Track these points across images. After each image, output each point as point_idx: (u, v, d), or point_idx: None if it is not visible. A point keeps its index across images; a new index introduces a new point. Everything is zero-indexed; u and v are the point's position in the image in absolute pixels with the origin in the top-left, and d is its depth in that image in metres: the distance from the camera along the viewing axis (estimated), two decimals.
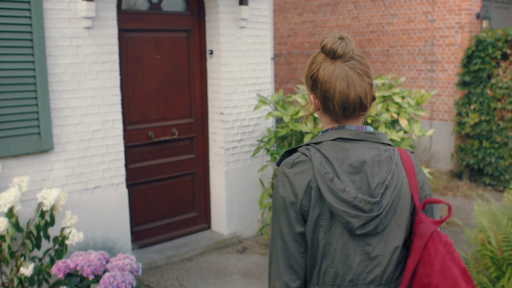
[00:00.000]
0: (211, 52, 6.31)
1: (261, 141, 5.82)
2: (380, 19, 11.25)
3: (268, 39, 6.72)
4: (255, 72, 6.55)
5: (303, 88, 5.79)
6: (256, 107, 5.77)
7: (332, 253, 1.61)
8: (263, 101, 5.72)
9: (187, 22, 6.25)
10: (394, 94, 5.28)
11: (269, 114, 5.60)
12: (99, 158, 5.33)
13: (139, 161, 5.97)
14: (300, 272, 1.65)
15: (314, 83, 1.68)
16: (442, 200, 1.68)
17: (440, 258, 1.58)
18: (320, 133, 1.71)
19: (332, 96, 1.62)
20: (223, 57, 6.20)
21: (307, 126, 4.78)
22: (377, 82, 5.44)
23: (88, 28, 5.15)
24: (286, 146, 5.60)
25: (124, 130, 5.74)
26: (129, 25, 5.75)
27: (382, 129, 5.00)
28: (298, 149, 1.69)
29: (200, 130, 6.40)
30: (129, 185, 5.76)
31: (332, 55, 1.62)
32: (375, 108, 4.03)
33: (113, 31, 5.36)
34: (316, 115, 4.20)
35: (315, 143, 1.66)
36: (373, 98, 1.68)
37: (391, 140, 4.94)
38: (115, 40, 5.38)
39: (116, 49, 5.40)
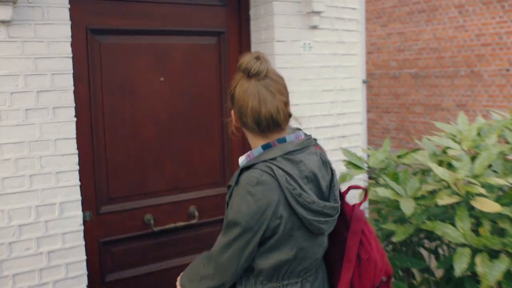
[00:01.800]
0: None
1: None
2: (497, 28, 8.17)
3: (357, 49, 3.93)
4: (336, 105, 3.79)
5: (433, 141, 2.94)
6: (344, 178, 2.94)
7: (302, 254, 1.78)
8: (355, 164, 2.91)
9: (218, 18, 3.57)
10: None
11: (370, 189, 2.78)
12: (31, 279, 2.67)
13: (124, 268, 3.27)
14: (227, 283, 1.78)
15: (232, 99, 1.80)
16: (360, 185, 2.03)
17: (373, 235, 1.90)
18: (260, 148, 1.76)
19: (245, 111, 1.73)
20: None
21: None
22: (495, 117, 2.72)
23: (3, 23, 2.55)
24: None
25: (93, 215, 3.07)
26: (106, 22, 3.12)
27: None
28: (256, 166, 1.69)
29: None
30: None
31: (247, 73, 1.74)
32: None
33: (64, 31, 2.74)
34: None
35: (269, 160, 1.70)
36: (289, 115, 1.79)
37: None
38: (67, 49, 2.75)
39: (68, 65, 2.76)
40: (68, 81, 2.79)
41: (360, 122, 3.97)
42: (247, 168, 1.70)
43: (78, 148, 2.91)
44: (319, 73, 3.70)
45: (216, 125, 3.58)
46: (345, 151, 3.12)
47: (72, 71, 2.80)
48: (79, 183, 2.86)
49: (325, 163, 1.82)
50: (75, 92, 2.92)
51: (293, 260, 1.76)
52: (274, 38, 3.48)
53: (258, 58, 1.74)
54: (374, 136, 10.40)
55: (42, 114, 2.72)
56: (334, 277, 1.92)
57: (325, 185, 1.78)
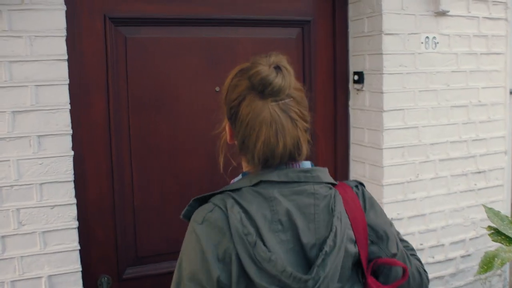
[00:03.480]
0: (359, 79, 2.49)
1: None
2: None
3: (504, 45, 2.70)
4: (471, 127, 2.61)
5: None
6: (491, 264, 1.77)
7: None
8: (507, 236, 1.73)
9: (301, 2, 2.49)
10: None
11: None
12: None
13: None
14: None
15: (234, 116, 1.29)
16: (398, 261, 1.33)
17: None
18: (238, 177, 1.34)
19: (253, 145, 1.25)
20: (389, 91, 2.40)
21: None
22: None
23: None
24: None
25: (113, 282, 2.17)
26: (134, 8, 2.17)
27: None
28: (211, 198, 1.28)
29: None
30: None
31: (261, 89, 1.23)
32: None
33: (55, 20, 1.83)
34: None
35: (231, 191, 1.27)
36: (309, 145, 1.31)
37: None
38: (60, 47, 1.84)
39: (61, 71, 1.85)
40: (61, 96, 1.86)
41: (504, 152, 2.74)
42: (204, 199, 1.31)
43: (87, 190, 2.00)
44: (448, 81, 2.52)
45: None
46: (489, 211, 1.94)
47: (67, 81, 1.86)
48: (78, 246, 1.93)
49: (326, 215, 1.28)
50: (85, 110, 2.01)
51: None
52: (381, 30, 2.35)
53: (278, 68, 1.26)
54: None
55: (20, 146, 1.81)
56: None
57: (311, 242, 1.26)
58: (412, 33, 2.41)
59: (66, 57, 1.84)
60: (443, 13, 2.45)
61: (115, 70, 2.16)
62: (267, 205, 1.24)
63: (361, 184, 1.41)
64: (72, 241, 1.92)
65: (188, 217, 1.31)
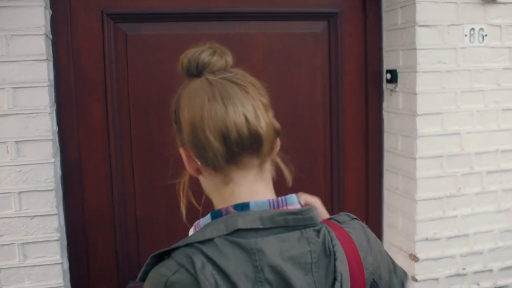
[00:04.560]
0: (392, 78, 2.19)
1: None
2: None
3: None
4: None
5: None
6: None
7: None
8: None
9: None
10: None
11: None
12: None
13: None
14: None
15: (178, 124, 1.03)
16: None
17: None
18: (209, 216, 1.01)
19: (204, 135, 0.96)
20: (424, 92, 2.10)
21: None
22: None
23: None
24: None
25: None
26: (135, 2, 2.02)
27: None
28: (173, 253, 0.95)
29: None
30: None
31: (194, 69, 1.02)
32: None
33: (34, 16, 1.70)
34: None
35: (200, 242, 0.94)
36: (275, 131, 1.01)
37: None
38: (39, 46, 1.71)
39: (40, 72, 1.72)
40: (42, 99, 1.73)
41: None
42: (164, 254, 0.98)
43: (85, 198, 1.88)
44: (498, 80, 2.16)
45: (322, 164, 2.27)
46: None
47: (48, 82, 1.73)
48: (60, 260, 1.80)
49: (326, 263, 0.99)
50: (81, 112, 1.89)
51: None
52: (415, 21, 2.04)
53: (212, 48, 1.04)
54: None
55: None
56: None
57: None
58: (453, 25, 2.08)
59: (45, 57, 1.71)
60: (492, 0, 2.09)
61: (114, 69, 2.01)
62: (248, 260, 0.95)
63: (356, 218, 1.10)
64: (54, 254, 1.79)
65: (143, 279, 0.99)
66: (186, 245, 0.94)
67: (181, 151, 1.05)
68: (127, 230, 2.10)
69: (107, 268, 2.09)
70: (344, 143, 2.28)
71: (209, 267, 0.91)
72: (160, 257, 0.98)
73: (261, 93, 1.02)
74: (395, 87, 2.20)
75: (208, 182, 1.04)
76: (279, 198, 1.00)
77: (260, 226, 0.95)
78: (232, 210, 0.98)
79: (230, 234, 0.94)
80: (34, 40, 1.70)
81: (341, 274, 0.97)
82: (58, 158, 1.92)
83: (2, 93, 1.70)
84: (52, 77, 1.86)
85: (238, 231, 0.94)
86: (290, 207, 1.00)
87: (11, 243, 1.76)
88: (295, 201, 1.02)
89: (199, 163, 1.01)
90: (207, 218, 1.00)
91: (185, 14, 2.07)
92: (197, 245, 0.93)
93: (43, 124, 1.74)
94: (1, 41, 1.68)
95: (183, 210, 1.09)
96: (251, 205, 0.98)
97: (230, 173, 0.99)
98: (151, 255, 0.98)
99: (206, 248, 0.92)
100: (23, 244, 1.77)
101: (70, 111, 1.95)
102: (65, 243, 1.95)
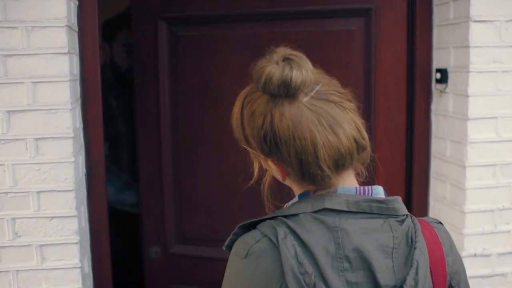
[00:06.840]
0: (441, 77, 2.01)
1: None
2: None
3: None
4: None
5: None
6: None
7: None
8: None
9: None
10: None
11: None
12: None
13: None
14: None
15: (273, 145, 1.05)
16: None
17: None
18: (297, 197, 1.10)
19: (314, 155, 1.02)
20: (477, 94, 1.91)
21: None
22: None
23: None
24: None
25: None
26: (185, 6, 2.02)
27: None
28: (258, 225, 1.05)
29: None
30: None
31: (284, 92, 1.01)
32: None
33: (55, 8, 1.61)
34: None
35: (285, 216, 1.03)
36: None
37: None
38: (60, 39, 1.63)
39: (62, 66, 1.64)
40: (62, 95, 1.64)
41: None
42: (251, 225, 1.06)
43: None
44: None
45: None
46: None
47: (69, 76, 1.65)
48: (79, 264, 1.72)
49: (407, 250, 1.03)
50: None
51: None
52: (468, 16, 1.86)
53: (288, 59, 1.01)
54: None
55: (15, 149, 1.64)
56: None
57: (390, 285, 1.00)
58: (481, 18, 1.88)
59: (67, 50, 1.62)
60: None
61: (166, 70, 2.10)
62: (330, 237, 1.01)
63: (440, 223, 1.16)
64: (72, 258, 1.71)
65: (229, 247, 1.08)
66: (272, 218, 1.03)
67: (271, 164, 1.08)
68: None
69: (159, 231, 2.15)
70: (376, 146, 2.11)
71: (290, 238, 0.98)
72: (247, 228, 1.06)
73: (348, 98, 1.07)
74: (445, 88, 2.02)
75: (295, 183, 1.09)
76: (366, 187, 1.06)
77: (345, 209, 1.01)
78: (319, 191, 1.05)
79: (315, 212, 1.01)
80: (56, 32, 1.62)
81: (417, 262, 1.00)
82: (82, 157, 1.84)
83: (22, 87, 1.62)
84: (76, 71, 1.78)
85: (323, 210, 1.01)
86: (370, 196, 1.05)
87: (29, 245, 1.69)
88: (381, 191, 1.07)
89: (295, 175, 1.06)
90: (295, 199, 1.09)
91: (222, 16, 2.01)
92: (282, 218, 1.01)
93: (64, 121, 1.65)
94: (21, 33, 1.60)
95: (267, 204, 1.14)
96: (338, 189, 1.04)
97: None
98: (239, 225, 1.06)
99: (290, 221, 1.00)
100: (41, 246, 1.69)
101: (96, 108, 1.87)
102: (87, 245, 1.87)
